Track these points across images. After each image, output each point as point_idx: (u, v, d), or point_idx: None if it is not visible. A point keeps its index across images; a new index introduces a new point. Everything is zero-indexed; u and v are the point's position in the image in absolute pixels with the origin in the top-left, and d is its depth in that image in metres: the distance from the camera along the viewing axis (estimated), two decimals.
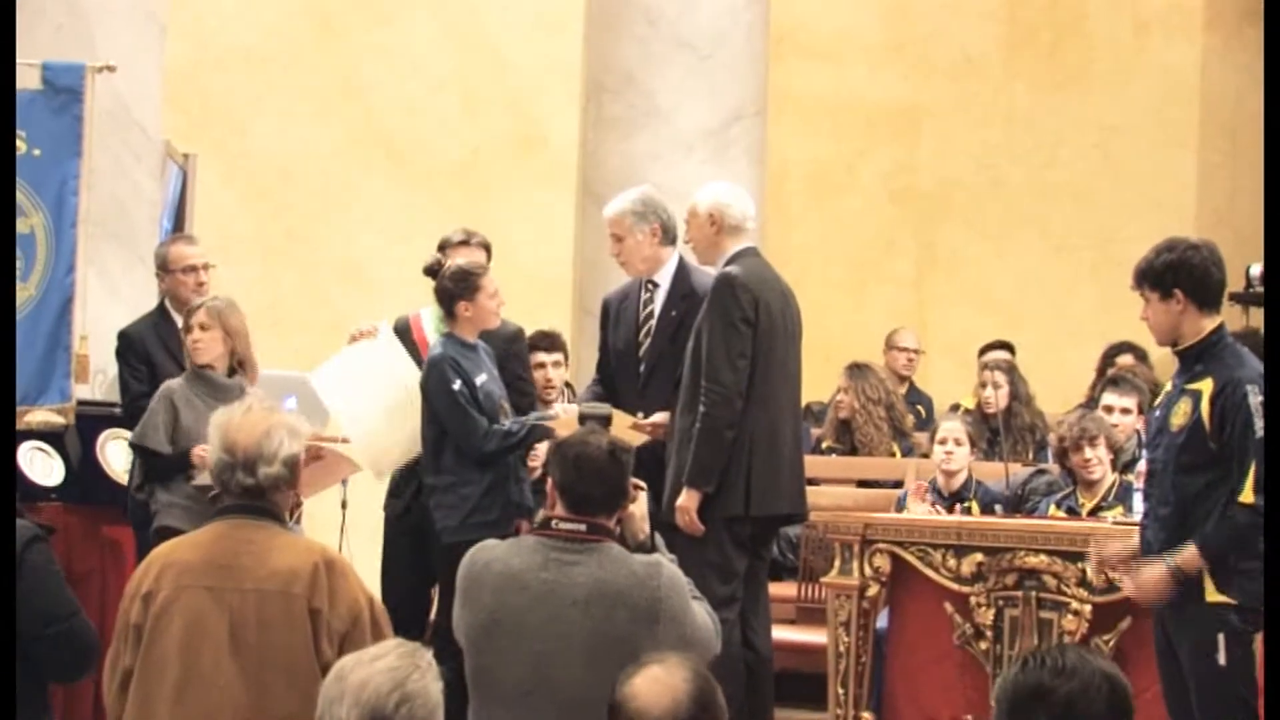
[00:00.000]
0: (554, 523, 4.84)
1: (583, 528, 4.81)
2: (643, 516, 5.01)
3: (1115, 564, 5.84)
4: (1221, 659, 5.48)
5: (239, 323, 7.32)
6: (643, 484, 5.06)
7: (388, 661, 3.54)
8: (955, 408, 9.53)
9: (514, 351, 7.69)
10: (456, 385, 7.18)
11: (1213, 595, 5.51)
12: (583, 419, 6.54)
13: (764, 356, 6.92)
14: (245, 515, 4.70)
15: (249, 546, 4.65)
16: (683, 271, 7.39)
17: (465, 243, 7.67)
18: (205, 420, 6.86)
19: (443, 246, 7.66)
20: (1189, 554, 5.51)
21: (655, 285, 7.43)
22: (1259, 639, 5.67)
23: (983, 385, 9.17)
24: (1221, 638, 5.49)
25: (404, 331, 7.70)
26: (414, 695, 3.50)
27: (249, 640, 4.61)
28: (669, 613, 4.77)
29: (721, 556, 6.86)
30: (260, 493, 4.69)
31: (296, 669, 4.58)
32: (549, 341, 8.11)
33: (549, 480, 4.93)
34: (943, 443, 7.85)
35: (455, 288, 7.28)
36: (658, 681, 3.47)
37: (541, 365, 7.98)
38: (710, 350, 6.86)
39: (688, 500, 6.82)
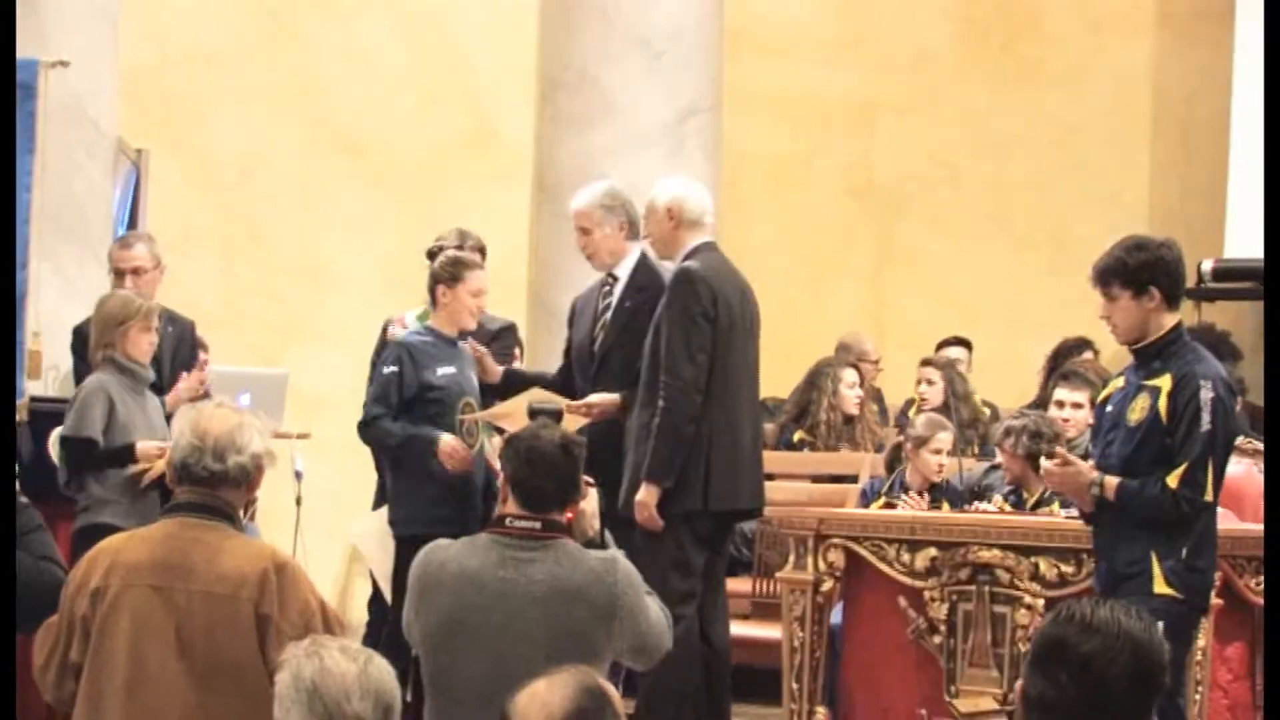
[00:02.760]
0: (508, 520, 4.83)
1: (537, 525, 4.80)
2: (593, 513, 5.00)
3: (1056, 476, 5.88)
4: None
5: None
6: (593, 480, 5.07)
7: (350, 658, 3.56)
8: (910, 403, 9.57)
9: (499, 347, 7.72)
10: (388, 369, 7.26)
11: (1160, 588, 5.57)
12: (533, 414, 6.55)
13: (723, 351, 6.93)
14: (197, 514, 4.68)
15: (198, 547, 4.63)
16: (642, 265, 7.41)
17: (460, 247, 7.70)
18: (136, 414, 6.95)
19: (433, 253, 7.70)
20: (1111, 481, 5.61)
21: (615, 279, 7.45)
22: (1201, 639, 5.74)
23: (917, 382, 9.24)
24: (1160, 626, 5.52)
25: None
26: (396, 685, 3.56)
27: (196, 642, 4.59)
28: (626, 608, 4.79)
29: (680, 552, 6.87)
30: (224, 481, 4.68)
31: (244, 673, 4.57)
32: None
33: (500, 476, 4.92)
34: (936, 453, 7.84)
35: (440, 272, 7.32)
36: (535, 698, 3.40)
37: None
38: (669, 345, 6.87)
39: (647, 495, 6.83)
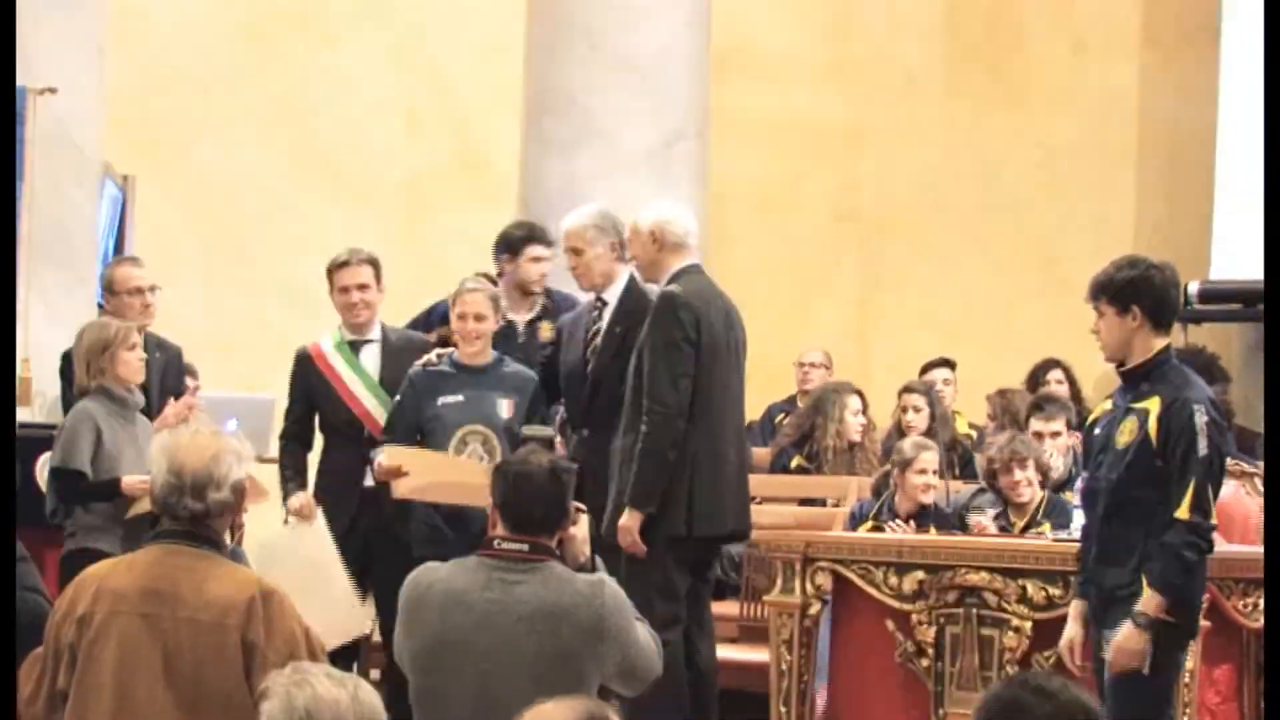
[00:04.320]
0: (496, 543, 4.84)
1: (525, 548, 4.81)
2: (584, 539, 5.02)
3: (1078, 651, 5.84)
4: (1146, 669, 5.53)
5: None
6: (583, 506, 5.08)
7: (335, 684, 3.52)
8: (894, 429, 9.56)
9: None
10: (395, 399, 7.40)
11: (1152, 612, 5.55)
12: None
13: (706, 376, 6.93)
14: (183, 541, 4.65)
15: (186, 575, 4.61)
16: (631, 289, 7.40)
17: (347, 263, 7.69)
18: (125, 443, 6.92)
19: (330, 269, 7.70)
20: (1150, 600, 5.53)
21: (604, 303, 7.45)
22: (1189, 661, 5.75)
23: (902, 410, 9.25)
24: (1150, 649, 5.55)
25: (305, 360, 7.71)
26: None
27: (183, 671, 4.58)
28: (613, 631, 4.79)
29: (664, 577, 6.87)
30: (205, 518, 4.65)
31: (230, 701, 4.55)
32: None
33: (490, 500, 4.93)
34: (922, 473, 7.84)
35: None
36: (540, 715, 3.37)
37: None
38: (652, 370, 6.86)
39: (630, 521, 6.82)
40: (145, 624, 4.58)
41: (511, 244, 8.09)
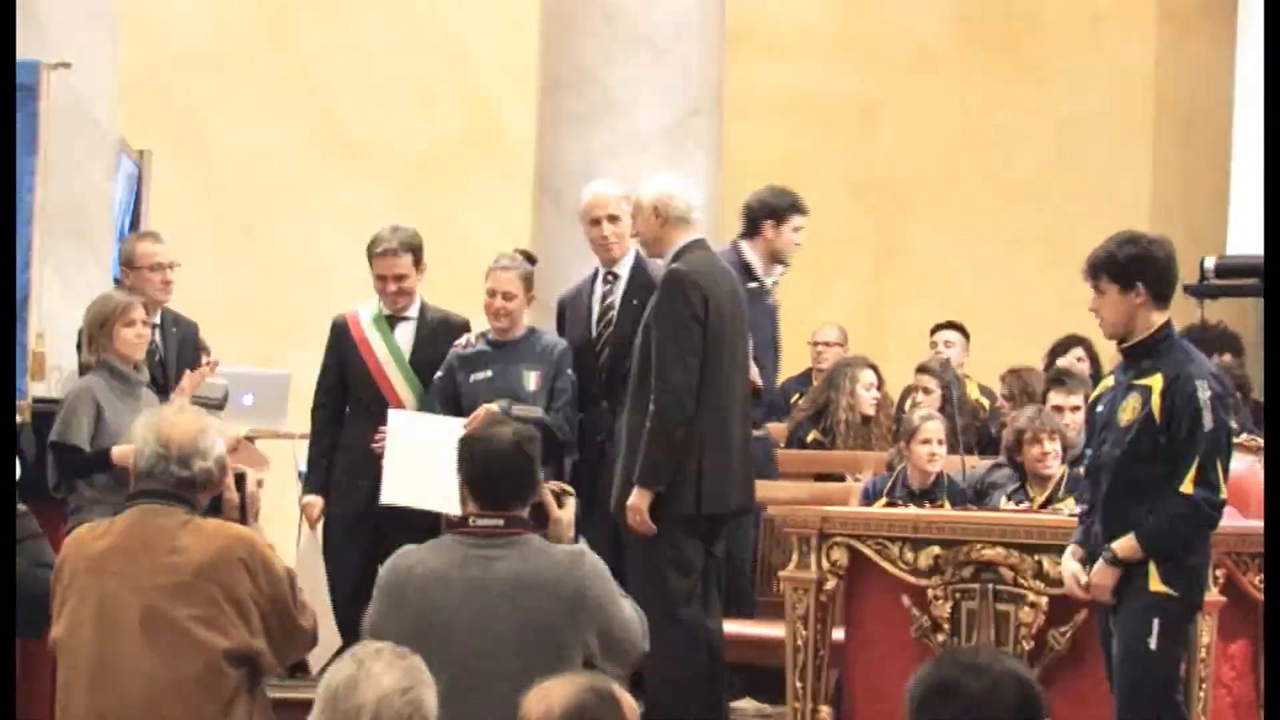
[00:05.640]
0: (470, 520, 4.84)
1: (500, 522, 4.81)
2: (569, 522, 5.02)
3: (1075, 585, 5.86)
4: (1153, 643, 5.56)
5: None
6: (571, 490, 5.07)
7: (397, 679, 3.55)
8: (905, 399, 9.55)
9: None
10: (435, 377, 7.39)
11: (1156, 585, 5.61)
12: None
13: (713, 353, 6.92)
14: (161, 500, 4.79)
15: (163, 534, 4.74)
16: (641, 262, 7.40)
17: (385, 252, 7.62)
18: (124, 416, 6.95)
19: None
20: (1126, 543, 5.61)
21: (615, 277, 7.44)
22: (1201, 633, 5.75)
23: (914, 389, 9.24)
24: (1156, 623, 5.57)
25: (342, 329, 7.70)
26: (426, 717, 3.56)
27: (163, 627, 4.67)
28: (593, 600, 4.78)
29: (676, 552, 6.88)
30: (189, 485, 4.79)
31: (213, 655, 4.67)
32: None
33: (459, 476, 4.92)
34: (926, 443, 7.83)
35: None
36: (540, 691, 3.40)
37: None
38: (659, 348, 6.85)
39: (639, 500, 6.82)
40: (121, 583, 4.71)
41: (777, 211, 8.13)
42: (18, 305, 7.97)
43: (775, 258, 8.16)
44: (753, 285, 7.95)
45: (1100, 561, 5.64)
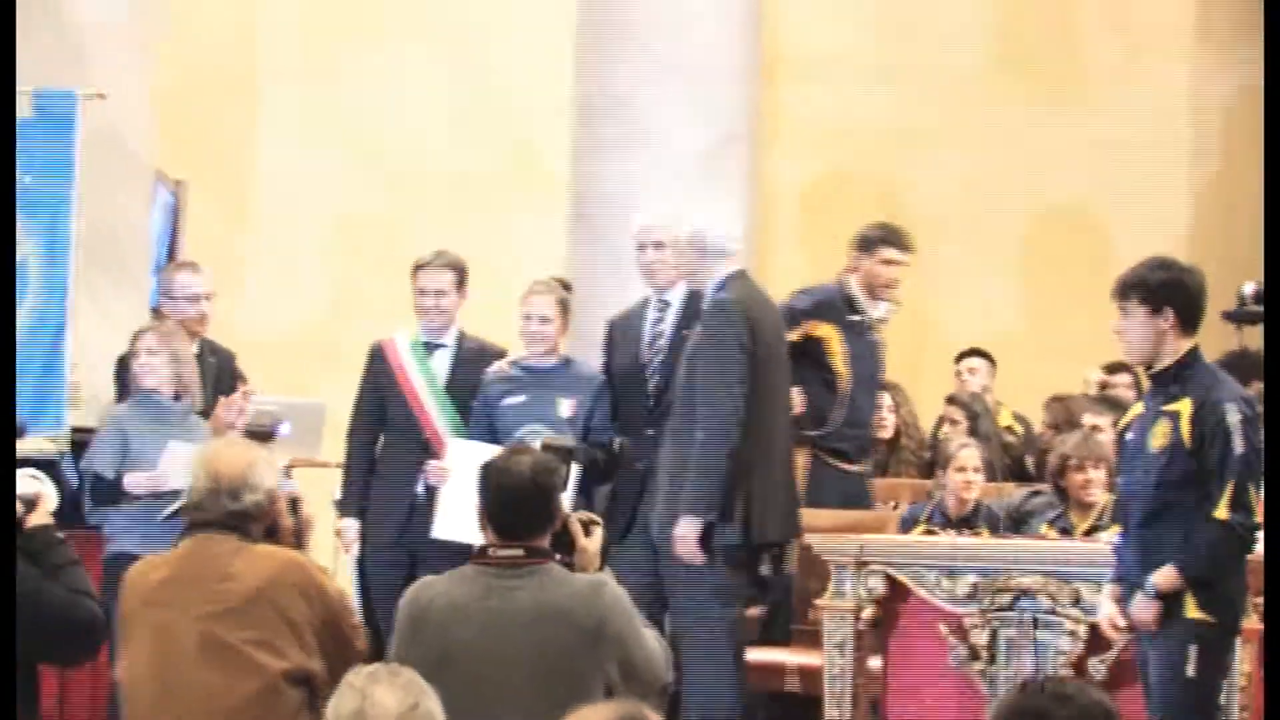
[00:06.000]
0: (490, 550, 4.83)
1: (520, 552, 4.79)
2: (595, 553, 4.98)
3: (1110, 629, 5.85)
4: (1190, 670, 5.51)
5: (185, 349, 7.32)
6: (598, 519, 5.05)
7: (400, 699, 3.58)
8: (938, 428, 9.52)
9: None
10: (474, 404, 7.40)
11: (1192, 612, 5.56)
12: (544, 449, 6.57)
13: (759, 382, 6.93)
14: (216, 530, 4.84)
15: (217, 561, 4.81)
16: (695, 292, 7.39)
17: (429, 264, 7.67)
18: (151, 445, 6.99)
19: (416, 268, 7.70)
20: (1166, 574, 5.56)
21: (666, 304, 7.44)
22: (1241, 661, 5.71)
23: (942, 420, 9.20)
24: (1193, 650, 5.53)
25: (379, 355, 7.70)
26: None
27: (222, 654, 4.72)
28: (614, 631, 4.74)
29: (722, 581, 6.87)
30: (241, 517, 4.85)
31: (271, 678, 4.71)
32: None
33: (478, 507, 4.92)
34: (962, 470, 7.80)
35: None
36: (576, 717, 3.38)
37: None
38: (707, 378, 6.86)
39: (689, 529, 6.82)
40: (177, 612, 4.77)
41: (866, 243, 8.18)
42: (55, 335, 8.03)
43: (872, 291, 8.17)
44: (855, 318, 8.04)
45: (1141, 595, 5.60)
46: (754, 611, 7.42)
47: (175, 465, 6.84)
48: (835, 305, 8.09)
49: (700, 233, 7.07)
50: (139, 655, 4.81)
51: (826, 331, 8.06)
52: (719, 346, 6.87)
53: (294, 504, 5.13)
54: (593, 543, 4.98)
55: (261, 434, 7.02)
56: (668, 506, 6.91)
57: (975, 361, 10.23)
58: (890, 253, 8.17)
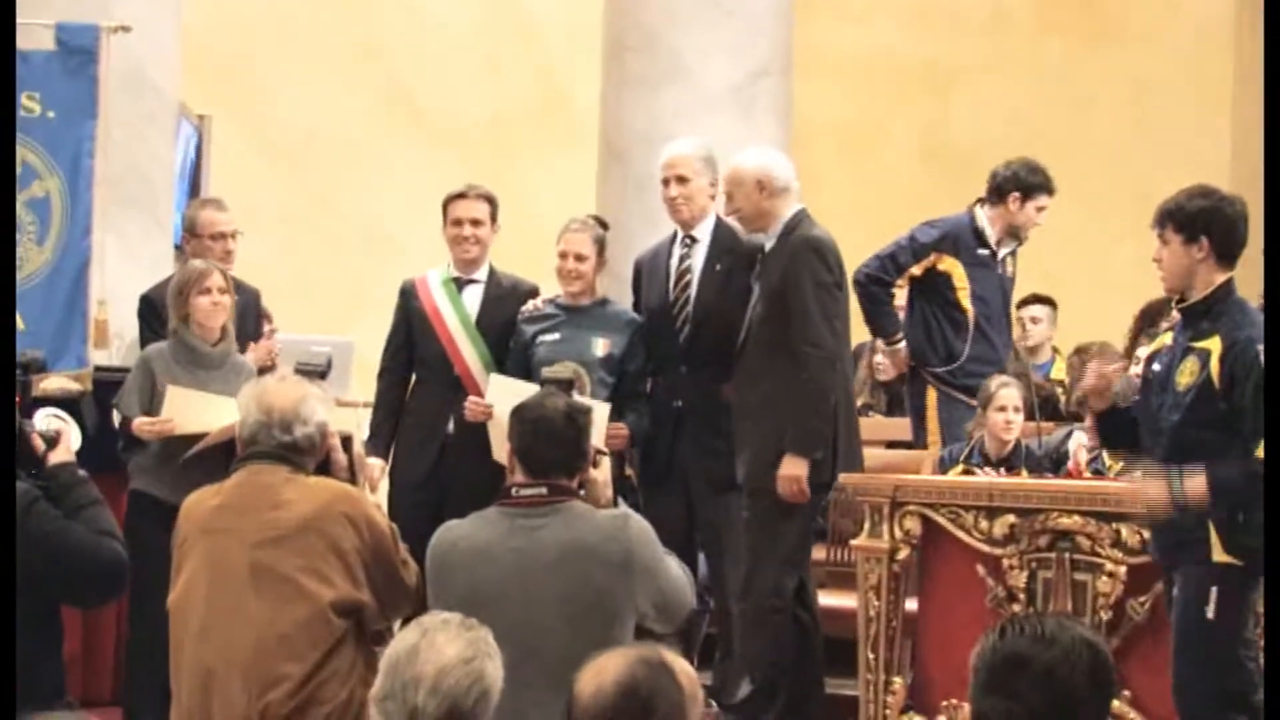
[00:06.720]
0: (515, 490, 4.84)
1: (543, 491, 4.81)
2: (605, 482, 5.00)
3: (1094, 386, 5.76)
4: (1210, 612, 5.42)
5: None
6: (605, 450, 5.04)
7: (461, 649, 3.54)
8: None
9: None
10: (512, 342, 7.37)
11: (1220, 556, 5.44)
12: (543, 383, 6.54)
13: (842, 320, 6.95)
14: (267, 461, 4.92)
15: (268, 491, 4.88)
16: (722, 225, 7.31)
17: (464, 195, 7.58)
18: (186, 388, 6.91)
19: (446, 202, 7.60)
20: (1197, 484, 5.39)
21: (694, 240, 7.34)
22: (1257, 598, 5.58)
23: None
24: (1214, 591, 5.42)
25: (410, 292, 7.60)
26: (489, 690, 3.53)
27: (272, 581, 4.79)
28: (641, 563, 4.76)
29: (806, 522, 6.90)
30: (292, 449, 4.92)
31: (321, 608, 4.78)
32: None
33: (508, 447, 4.92)
34: (1002, 410, 7.70)
35: None
36: (592, 667, 3.37)
37: None
38: (807, 315, 6.80)
39: (796, 468, 6.77)
40: (230, 539, 4.84)
41: (1028, 187, 8.13)
42: (79, 272, 7.97)
43: (1012, 232, 8.17)
44: (982, 253, 8.07)
45: (1165, 481, 5.46)
46: None
47: (181, 410, 6.78)
48: (963, 238, 8.10)
49: (768, 171, 6.98)
50: (191, 582, 4.88)
51: (951, 265, 8.05)
52: (815, 283, 6.82)
53: (347, 441, 5.21)
54: (601, 473, 5.00)
55: (312, 373, 6.96)
56: (760, 446, 6.82)
57: (1038, 310, 10.02)
58: (1045, 199, 8.16)
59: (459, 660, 3.51)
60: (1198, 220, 5.52)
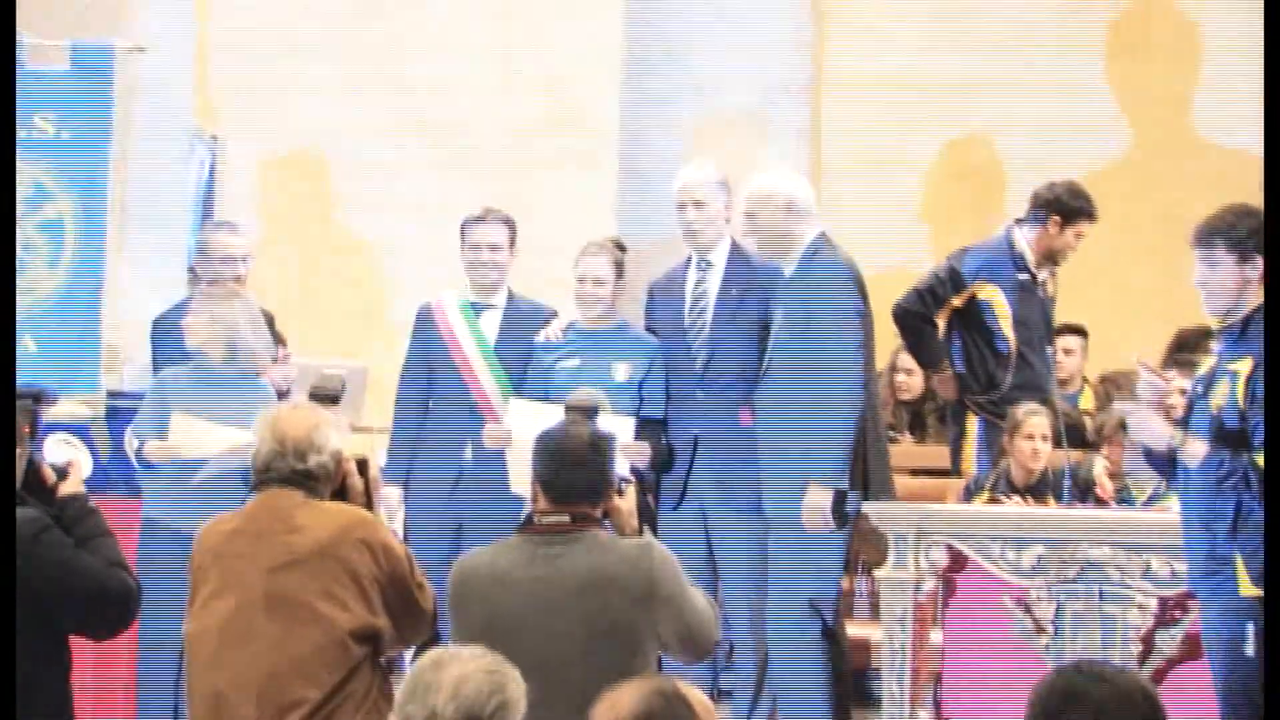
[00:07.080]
0: (537, 518, 4.81)
1: (566, 519, 4.77)
2: (630, 511, 4.93)
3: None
4: (1250, 650, 5.34)
5: (228, 310, 7.20)
6: (631, 478, 4.96)
7: (484, 663, 3.54)
8: None
9: None
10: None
11: (1247, 589, 5.37)
12: (567, 410, 6.52)
13: (869, 345, 6.94)
14: (284, 486, 4.89)
15: (285, 516, 4.86)
16: (738, 251, 7.26)
17: (482, 219, 7.50)
18: (198, 409, 6.89)
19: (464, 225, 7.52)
20: (1196, 445, 5.43)
21: (709, 265, 7.27)
22: None
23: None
24: (1251, 628, 5.33)
25: (427, 316, 7.51)
26: (510, 704, 3.51)
27: (286, 606, 4.77)
28: (664, 593, 4.71)
29: (840, 557, 6.89)
30: (308, 475, 4.90)
31: (335, 632, 4.74)
32: None
33: (527, 476, 4.92)
34: (1030, 438, 7.61)
35: None
36: (607, 700, 3.36)
37: None
38: (830, 342, 6.79)
39: (822, 499, 6.75)
40: (245, 564, 4.83)
41: (1068, 211, 8.02)
42: (91, 295, 7.95)
43: (1050, 256, 8.04)
44: (1023, 277, 7.96)
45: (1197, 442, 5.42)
46: None
47: (187, 436, 6.74)
48: (1001, 264, 7.99)
49: (791, 194, 6.95)
50: (207, 607, 4.88)
51: (991, 293, 7.95)
52: (840, 310, 6.83)
53: (363, 464, 5.14)
54: (626, 502, 4.94)
55: (326, 397, 6.91)
56: (785, 476, 6.75)
57: (1070, 340, 9.89)
58: (1086, 225, 8.05)
59: (481, 670, 3.52)
60: (1251, 240, 5.44)
